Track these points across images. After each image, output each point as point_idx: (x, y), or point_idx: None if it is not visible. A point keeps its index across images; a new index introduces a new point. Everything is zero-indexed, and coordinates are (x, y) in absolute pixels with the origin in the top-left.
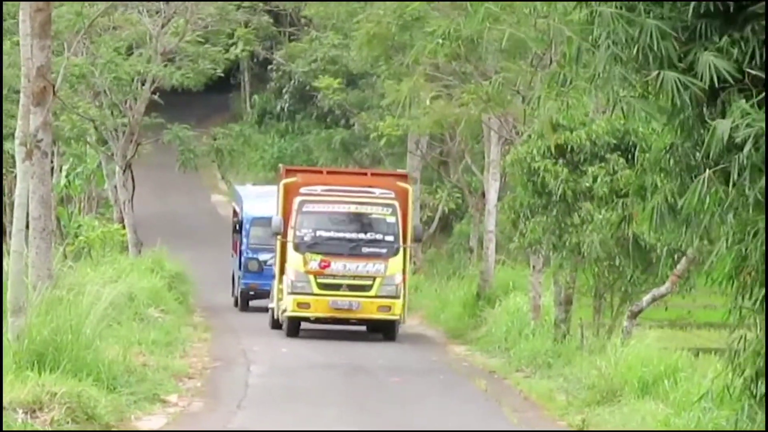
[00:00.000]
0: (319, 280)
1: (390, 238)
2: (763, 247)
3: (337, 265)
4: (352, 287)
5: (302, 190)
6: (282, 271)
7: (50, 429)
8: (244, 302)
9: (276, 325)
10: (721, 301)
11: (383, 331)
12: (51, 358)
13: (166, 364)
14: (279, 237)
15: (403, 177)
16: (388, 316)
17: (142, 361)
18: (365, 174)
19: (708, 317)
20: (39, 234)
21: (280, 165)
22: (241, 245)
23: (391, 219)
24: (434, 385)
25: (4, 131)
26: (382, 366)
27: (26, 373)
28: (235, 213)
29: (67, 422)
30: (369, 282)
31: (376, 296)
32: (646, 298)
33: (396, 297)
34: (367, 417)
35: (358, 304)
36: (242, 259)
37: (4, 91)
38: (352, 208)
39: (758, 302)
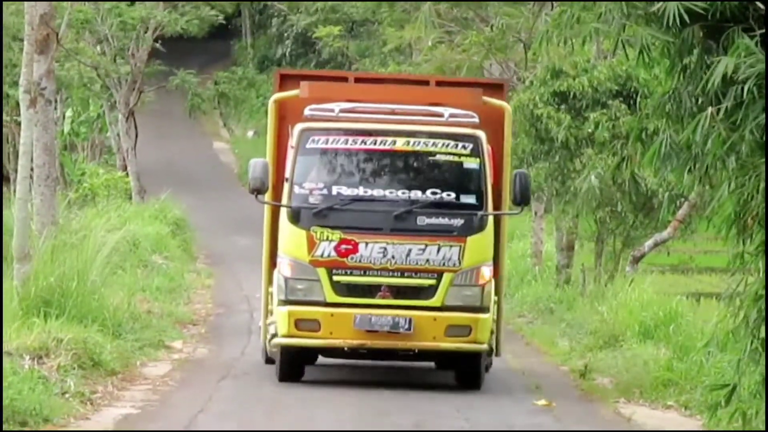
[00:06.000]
0: (336, 278)
1: (470, 198)
2: (765, 191)
3: (371, 250)
4: (397, 291)
5: (307, 110)
6: (272, 263)
7: (57, 375)
8: None
9: (270, 358)
10: (723, 246)
11: (458, 370)
12: (57, 305)
13: (170, 310)
14: (263, 198)
15: (498, 88)
16: (466, 344)
17: (147, 307)
18: (426, 83)
19: (709, 262)
20: (43, 181)
21: (276, 69)
22: None
23: (473, 164)
24: None
25: (9, 79)
26: None
27: (33, 320)
28: None
29: (74, 368)
30: (430, 281)
31: (443, 307)
32: (648, 243)
33: (481, 309)
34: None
35: (409, 322)
36: None
37: (8, 40)
38: (399, 144)
39: (759, 246)
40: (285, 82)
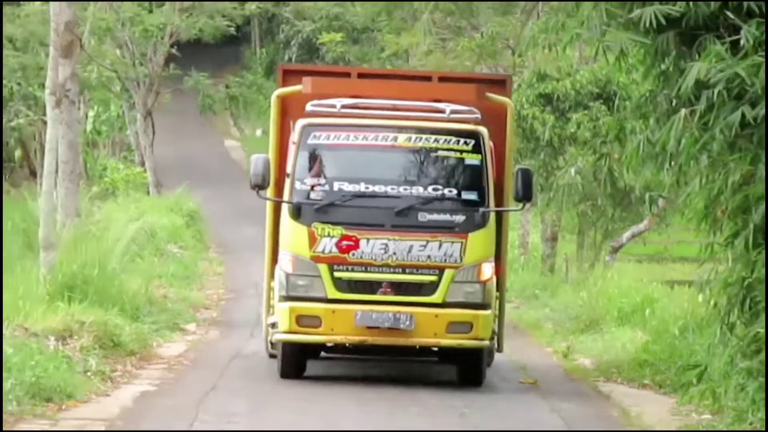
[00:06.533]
0: (337, 275)
1: (471, 195)
2: (733, 186)
3: (372, 246)
4: (399, 287)
5: (309, 105)
6: (274, 258)
7: (80, 354)
8: None
9: (273, 354)
10: (695, 237)
11: (459, 366)
12: (80, 290)
13: (184, 295)
14: (264, 194)
15: (500, 83)
16: (468, 341)
17: (163, 293)
18: (428, 78)
19: (682, 252)
20: (68, 176)
21: (278, 66)
22: None
23: (474, 160)
24: None
25: (36, 82)
26: None
27: (57, 304)
28: None
29: (95, 348)
30: (432, 277)
31: (444, 304)
32: (626, 234)
33: (482, 306)
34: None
35: (410, 319)
36: None
37: (36, 45)
38: (401, 140)
39: (728, 237)
40: (288, 77)
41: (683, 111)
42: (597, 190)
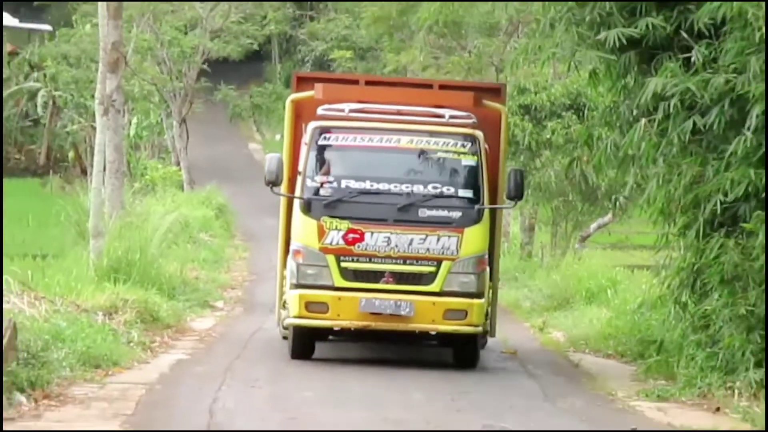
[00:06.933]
0: (344, 265)
1: (468, 193)
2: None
3: (376, 239)
4: (400, 277)
5: (320, 109)
6: (286, 249)
7: (124, 328)
8: None
9: (286, 336)
10: (652, 228)
11: (455, 350)
12: (124, 272)
13: (213, 277)
14: (278, 190)
15: (495, 91)
16: (463, 327)
17: (195, 275)
18: (429, 86)
19: (642, 241)
20: (114, 174)
21: (293, 73)
22: None
23: (471, 161)
24: None
25: (87, 93)
26: None
27: (104, 284)
28: None
29: (137, 322)
30: (430, 268)
31: (441, 293)
32: (593, 225)
33: (476, 295)
34: None
35: (410, 306)
36: None
37: (86, 62)
38: (404, 142)
39: (681, 228)
40: (301, 84)
41: (643, 120)
42: (568, 187)
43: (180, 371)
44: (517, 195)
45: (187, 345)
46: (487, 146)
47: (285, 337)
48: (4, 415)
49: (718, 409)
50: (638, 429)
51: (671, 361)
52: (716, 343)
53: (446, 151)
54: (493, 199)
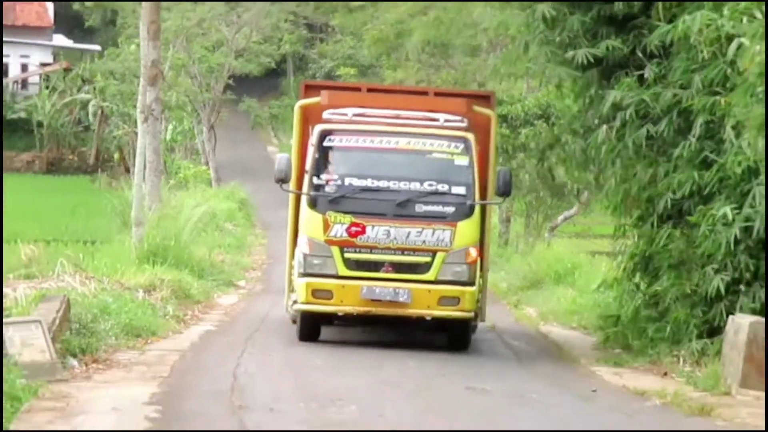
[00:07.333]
0: (347, 255)
1: (460, 190)
2: (640, 184)
3: (376, 232)
4: (398, 267)
5: (326, 114)
6: (294, 241)
7: (161, 303)
8: None
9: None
10: (611, 220)
11: (449, 334)
12: (161, 256)
13: (236, 260)
14: (286, 187)
15: (485, 99)
16: (456, 312)
17: (221, 258)
18: (425, 93)
19: (602, 230)
20: (152, 172)
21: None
22: None
23: (463, 161)
24: None
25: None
26: None
27: (144, 266)
28: None
29: (172, 299)
30: (426, 259)
31: (436, 281)
32: (560, 217)
33: (468, 283)
34: None
35: (407, 293)
36: None
37: (130, 77)
38: (402, 143)
39: (634, 220)
40: (309, 91)
41: (603, 127)
42: (539, 185)
43: (208, 340)
44: (505, 192)
45: (214, 318)
46: (477, 147)
47: (294, 321)
48: (59, 376)
49: (665, 373)
50: (597, 390)
51: (626, 333)
52: (664, 318)
53: (440, 152)
54: (483, 196)
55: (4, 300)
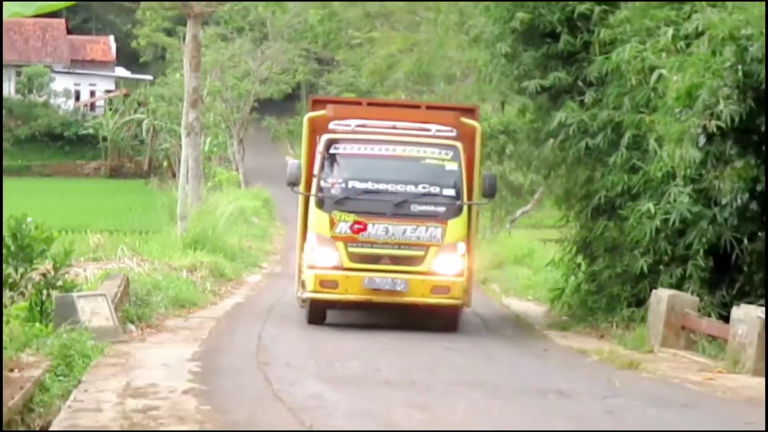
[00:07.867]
0: (350, 249)
1: (450, 192)
2: (580, 185)
3: (376, 229)
4: (396, 260)
5: (331, 125)
6: (304, 237)
7: (200, 281)
8: None
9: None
10: (558, 213)
11: (441, 318)
12: (201, 243)
13: (261, 247)
14: (297, 189)
15: (470, 112)
16: (446, 300)
17: (249, 245)
18: (418, 107)
19: (551, 222)
20: (194, 177)
21: (310, 96)
22: None
23: (452, 166)
24: None
25: (176, 121)
26: None
27: (187, 251)
28: None
29: (209, 277)
30: (420, 253)
31: (429, 273)
32: (518, 212)
33: (457, 274)
34: None
35: (404, 283)
36: None
37: (176, 100)
38: (398, 151)
39: (576, 212)
40: (316, 105)
41: (551, 140)
42: (502, 186)
43: (238, 310)
44: (491, 194)
45: (243, 293)
46: (465, 154)
47: (303, 306)
48: (120, 338)
49: (602, 336)
50: (548, 349)
51: (571, 304)
52: (601, 292)
53: (433, 158)
54: (471, 197)
55: (76, 278)
